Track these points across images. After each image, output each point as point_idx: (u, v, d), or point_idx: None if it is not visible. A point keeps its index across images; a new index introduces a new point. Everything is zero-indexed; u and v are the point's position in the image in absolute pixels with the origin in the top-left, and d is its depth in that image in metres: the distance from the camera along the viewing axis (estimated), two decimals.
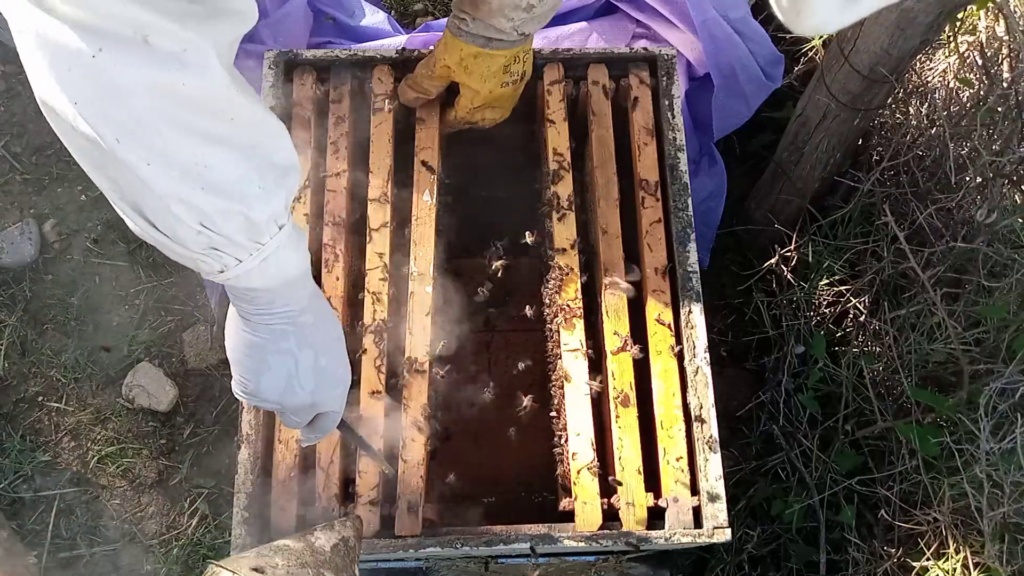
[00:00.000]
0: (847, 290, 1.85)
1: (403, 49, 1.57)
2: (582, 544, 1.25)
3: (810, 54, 2.18)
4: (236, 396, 1.07)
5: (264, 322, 0.99)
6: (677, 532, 1.26)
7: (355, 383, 1.35)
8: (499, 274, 1.49)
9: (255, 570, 0.83)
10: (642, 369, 1.37)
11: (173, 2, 0.75)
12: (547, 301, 1.44)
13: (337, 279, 1.40)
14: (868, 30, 1.60)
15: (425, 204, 1.45)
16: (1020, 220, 1.63)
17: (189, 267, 0.93)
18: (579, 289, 1.40)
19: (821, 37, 2.13)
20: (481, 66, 1.38)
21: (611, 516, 1.29)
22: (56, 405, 2.01)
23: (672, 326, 1.38)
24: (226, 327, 1.03)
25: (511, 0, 1.28)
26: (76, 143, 0.80)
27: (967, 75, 1.91)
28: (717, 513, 1.27)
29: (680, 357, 1.37)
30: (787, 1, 0.71)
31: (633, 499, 1.28)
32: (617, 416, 1.32)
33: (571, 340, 1.37)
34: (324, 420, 1.11)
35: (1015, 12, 1.82)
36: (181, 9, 0.76)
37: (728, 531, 1.26)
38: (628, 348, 1.36)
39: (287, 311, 0.99)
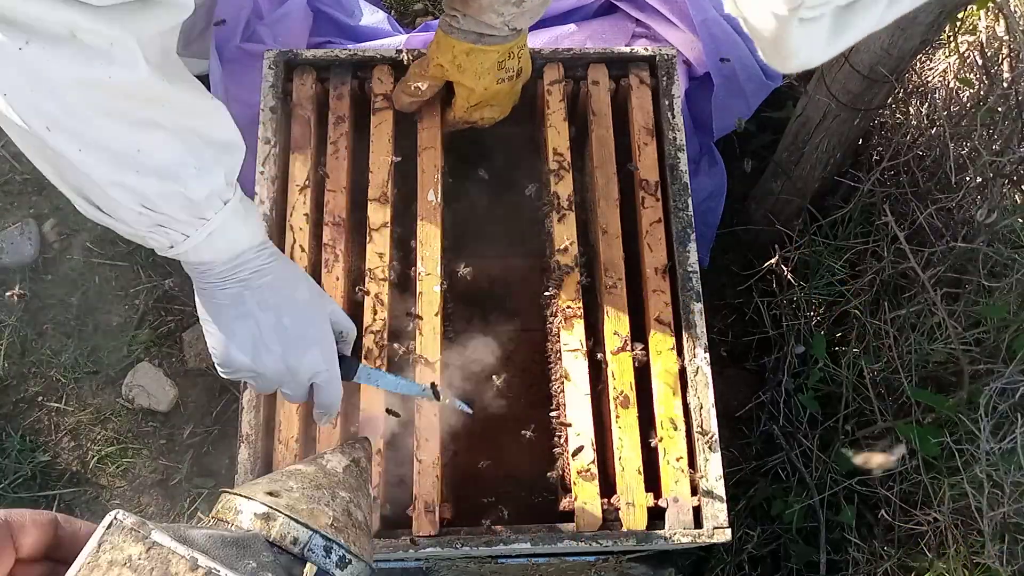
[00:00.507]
0: (847, 290, 1.85)
1: (416, 46, 1.56)
2: (582, 544, 1.25)
3: None
4: (219, 373, 1.07)
5: (221, 288, 1.01)
6: (677, 532, 1.26)
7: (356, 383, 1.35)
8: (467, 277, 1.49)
9: (269, 494, 0.83)
10: (642, 369, 1.37)
11: (102, 3, 0.77)
12: (547, 301, 1.44)
13: (337, 279, 1.40)
14: None
15: (429, 204, 1.45)
16: (1020, 220, 1.64)
17: (141, 244, 0.96)
18: (579, 289, 1.40)
19: None
20: (474, 63, 1.38)
21: (611, 516, 1.29)
22: (56, 405, 2.01)
23: (672, 326, 1.38)
24: (196, 304, 1.05)
25: None
26: (12, 131, 0.83)
27: (967, 75, 1.91)
28: (717, 513, 1.27)
29: (680, 357, 1.37)
30: (769, 48, 0.70)
31: (633, 499, 1.28)
32: (617, 416, 1.33)
33: (571, 340, 1.37)
34: (322, 391, 1.08)
35: (1015, 12, 1.82)
36: (110, 3, 0.77)
37: (728, 531, 1.26)
38: (628, 348, 1.36)
39: (241, 275, 1.00)
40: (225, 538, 0.71)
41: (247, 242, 1.00)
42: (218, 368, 1.06)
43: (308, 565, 0.79)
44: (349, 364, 1.13)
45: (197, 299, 1.04)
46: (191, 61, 1.95)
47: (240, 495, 0.82)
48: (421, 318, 1.37)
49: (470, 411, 1.26)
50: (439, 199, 1.45)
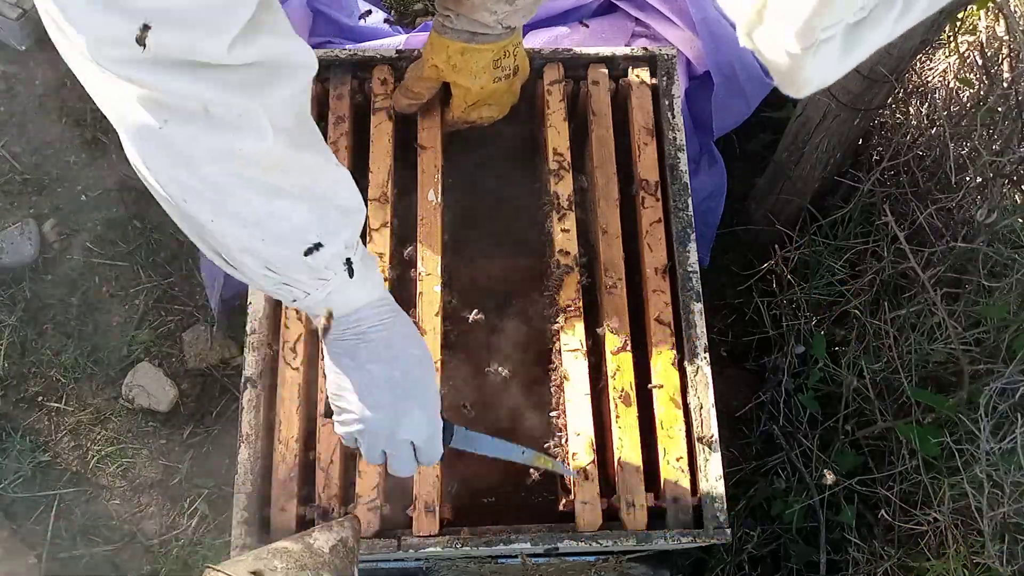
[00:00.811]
0: (847, 290, 1.85)
1: (416, 46, 1.56)
2: (582, 544, 1.25)
3: None
4: (335, 429, 1.10)
5: (339, 340, 1.05)
6: (677, 532, 1.26)
7: None
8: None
9: (253, 573, 0.84)
10: (642, 369, 1.37)
11: (232, 74, 0.81)
12: (547, 301, 1.44)
13: None
14: None
15: (430, 203, 1.45)
16: (1020, 220, 1.63)
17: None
18: (579, 289, 1.40)
19: None
20: (469, 62, 1.38)
21: (611, 516, 1.29)
22: (56, 405, 2.01)
23: (672, 326, 1.38)
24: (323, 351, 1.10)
25: None
26: (157, 196, 0.89)
27: (967, 75, 1.91)
28: (717, 513, 1.27)
29: (680, 357, 1.37)
30: (784, 79, 0.72)
31: (633, 499, 1.28)
32: (617, 416, 1.32)
33: (571, 340, 1.37)
34: (422, 453, 1.09)
35: (1015, 12, 1.82)
36: (239, 79, 0.81)
37: (728, 531, 1.26)
38: (628, 348, 1.36)
39: (358, 329, 1.04)
40: None
41: (365, 299, 1.03)
42: (335, 423, 1.10)
43: None
44: (446, 427, 1.14)
45: (323, 349, 1.09)
46: None
47: (223, 572, 0.83)
48: (422, 318, 1.37)
49: (574, 474, 1.27)
50: (439, 199, 1.45)
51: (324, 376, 1.09)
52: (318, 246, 0.93)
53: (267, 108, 0.84)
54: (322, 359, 1.08)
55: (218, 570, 0.83)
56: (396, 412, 1.05)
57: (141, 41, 0.74)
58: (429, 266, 1.40)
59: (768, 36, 0.64)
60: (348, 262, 0.98)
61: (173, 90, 0.79)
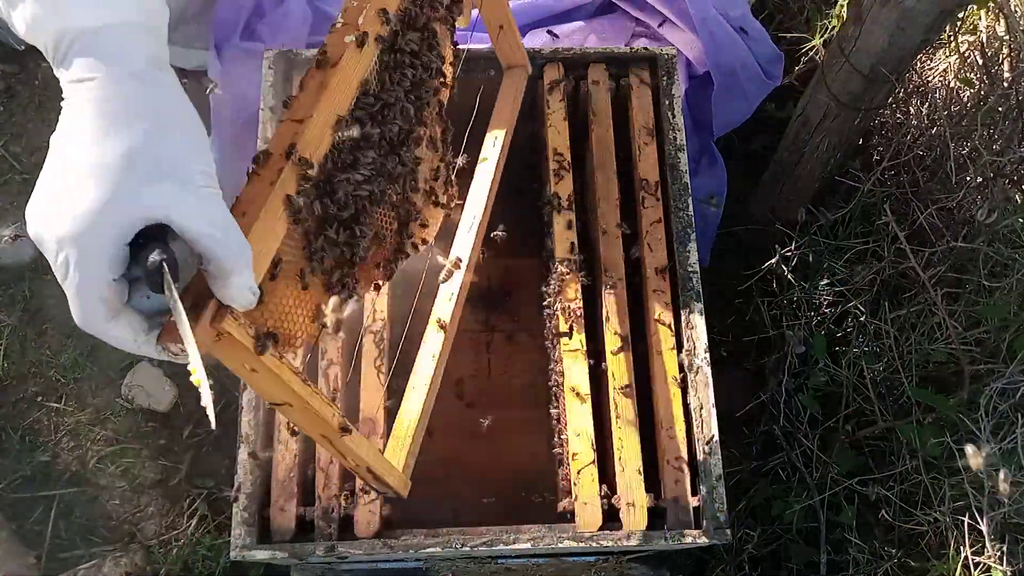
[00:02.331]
0: (848, 290, 1.85)
1: None
2: (582, 544, 1.25)
3: (810, 54, 2.18)
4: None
5: (61, 86, 0.71)
6: (677, 532, 1.26)
7: (356, 383, 1.35)
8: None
9: None
10: (642, 369, 1.37)
11: None
12: (547, 302, 1.44)
13: None
14: (869, 29, 1.59)
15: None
16: (1020, 220, 1.63)
17: None
18: (579, 289, 1.40)
19: (821, 36, 2.13)
20: None
21: (611, 516, 1.29)
22: (56, 405, 2.01)
23: (672, 326, 1.38)
24: None
25: None
26: None
27: (968, 75, 1.91)
28: (717, 513, 1.27)
29: (680, 357, 1.36)
30: None
31: (633, 499, 1.28)
32: (617, 416, 1.32)
33: (571, 340, 1.37)
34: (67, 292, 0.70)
35: (1015, 12, 1.82)
36: None
37: (728, 531, 1.26)
38: (628, 348, 1.36)
39: (64, 75, 0.70)
40: None
41: (58, 24, 0.67)
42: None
43: None
44: (157, 276, 0.74)
45: None
46: (189, 52, 1.95)
47: None
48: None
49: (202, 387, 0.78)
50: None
51: None
52: None
53: None
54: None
55: None
56: (50, 210, 0.68)
57: None
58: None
59: None
60: None
61: None
